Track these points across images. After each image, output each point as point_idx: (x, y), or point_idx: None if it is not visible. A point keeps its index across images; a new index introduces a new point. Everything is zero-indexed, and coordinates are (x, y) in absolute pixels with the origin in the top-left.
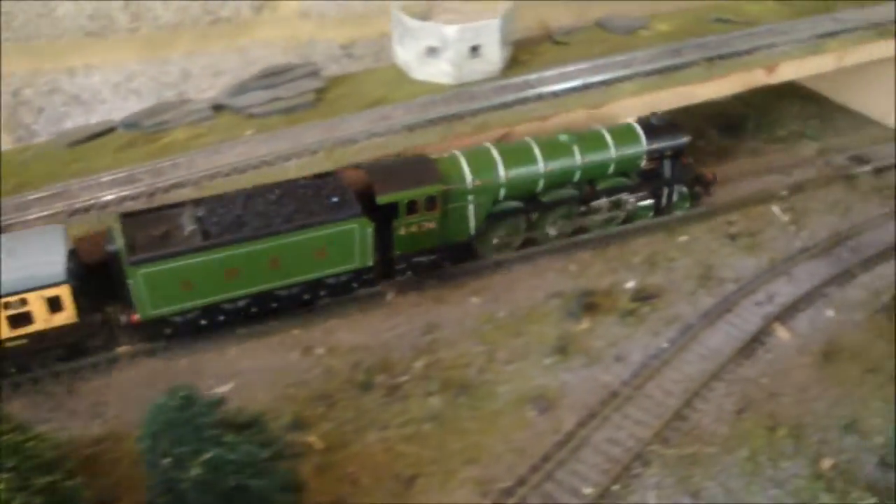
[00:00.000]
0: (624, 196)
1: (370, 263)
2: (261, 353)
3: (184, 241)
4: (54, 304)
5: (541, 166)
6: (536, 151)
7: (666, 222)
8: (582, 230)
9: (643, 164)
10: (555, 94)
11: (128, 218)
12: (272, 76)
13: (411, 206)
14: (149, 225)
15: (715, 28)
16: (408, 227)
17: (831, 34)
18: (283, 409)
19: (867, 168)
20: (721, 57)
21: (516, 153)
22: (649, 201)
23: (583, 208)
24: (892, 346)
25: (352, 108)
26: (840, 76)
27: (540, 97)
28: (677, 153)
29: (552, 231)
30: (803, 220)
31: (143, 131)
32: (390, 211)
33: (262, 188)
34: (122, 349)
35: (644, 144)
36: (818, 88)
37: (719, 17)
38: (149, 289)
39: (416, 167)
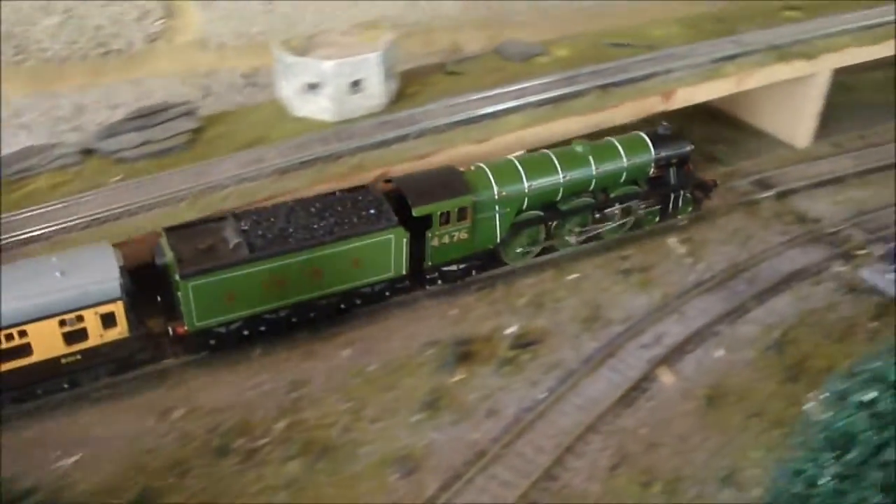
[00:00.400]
0: (634, 203)
1: (404, 272)
2: (115, 418)
3: (231, 254)
4: (108, 320)
5: (560, 176)
6: (556, 162)
7: (556, 259)
8: (597, 237)
9: (651, 171)
10: (439, 129)
11: (172, 232)
12: (144, 117)
13: (444, 217)
14: (195, 238)
15: (613, 53)
16: (440, 238)
17: (731, 57)
18: (131, 481)
19: (770, 193)
20: (616, 84)
21: (537, 164)
22: (656, 207)
23: (597, 215)
24: (778, 385)
25: (226, 150)
26: (750, 97)
27: (423, 133)
28: (682, 161)
29: (570, 238)
30: (700, 252)
31: (5, 178)
32: (424, 222)
33: (303, 201)
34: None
35: (652, 153)
36: (731, 110)
37: (618, 41)
38: (197, 301)
39: (447, 179)
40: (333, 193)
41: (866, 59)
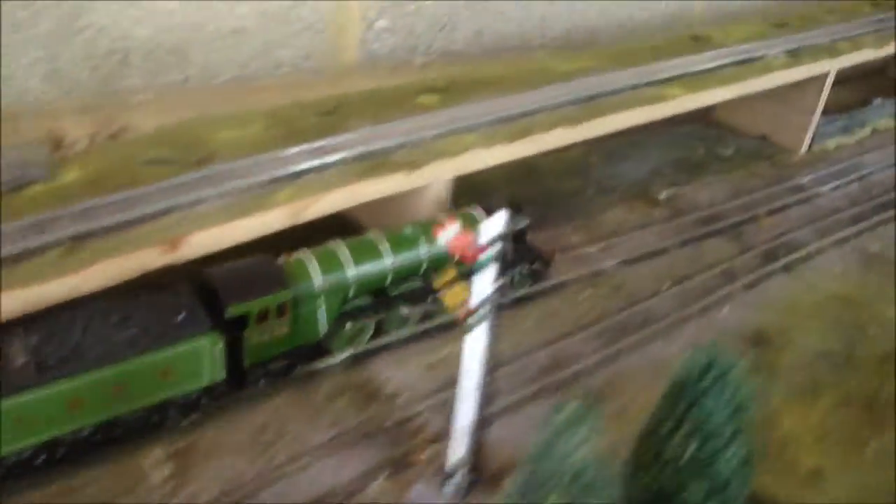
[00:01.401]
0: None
1: (221, 378)
2: None
3: (17, 375)
4: None
5: (388, 261)
6: (382, 247)
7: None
8: (433, 315)
9: None
10: None
11: None
12: None
13: (262, 315)
14: None
15: (145, 174)
16: (259, 336)
17: (296, 176)
18: None
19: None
20: (96, 234)
21: (363, 250)
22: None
23: (431, 298)
24: None
25: None
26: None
27: None
28: (518, 236)
29: (402, 322)
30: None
31: None
32: (240, 321)
33: (103, 306)
34: None
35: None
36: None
37: (157, 157)
38: None
39: (263, 271)
40: (138, 295)
41: (493, 163)
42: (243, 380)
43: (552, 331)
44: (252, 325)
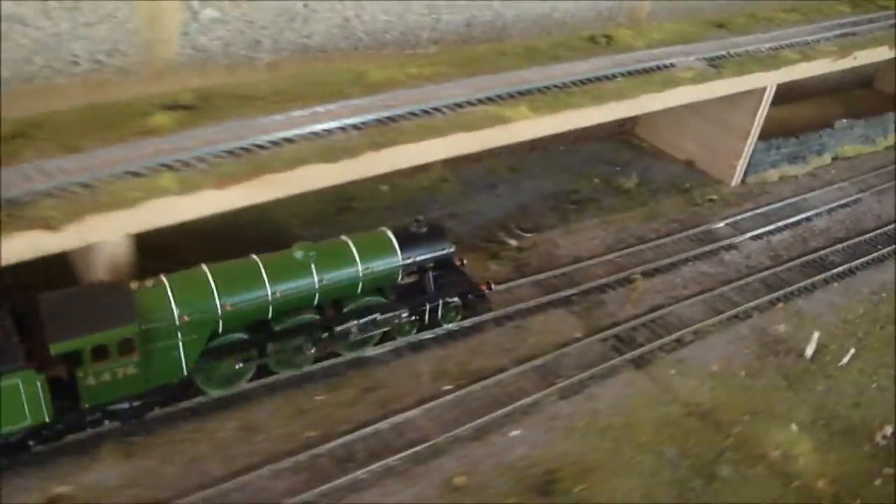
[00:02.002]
0: (378, 317)
1: (46, 419)
2: None
3: None
4: None
5: (268, 291)
6: (263, 272)
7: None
8: (333, 354)
9: (400, 278)
10: None
11: None
12: None
13: (99, 353)
14: None
15: None
16: (98, 376)
17: None
18: None
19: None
20: None
21: (237, 276)
22: (410, 318)
23: (325, 335)
24: None
25: None
26: None
27: None
28: (442, 264)
29: (295, 358)
30: None
31: None
32: (70, 358)
33: None
34: None
35: (399, 258)
36: None
37: None
38: None
39: (105, 301)
40: None
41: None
42: (81, 421)
43: None
44: (87, 363)
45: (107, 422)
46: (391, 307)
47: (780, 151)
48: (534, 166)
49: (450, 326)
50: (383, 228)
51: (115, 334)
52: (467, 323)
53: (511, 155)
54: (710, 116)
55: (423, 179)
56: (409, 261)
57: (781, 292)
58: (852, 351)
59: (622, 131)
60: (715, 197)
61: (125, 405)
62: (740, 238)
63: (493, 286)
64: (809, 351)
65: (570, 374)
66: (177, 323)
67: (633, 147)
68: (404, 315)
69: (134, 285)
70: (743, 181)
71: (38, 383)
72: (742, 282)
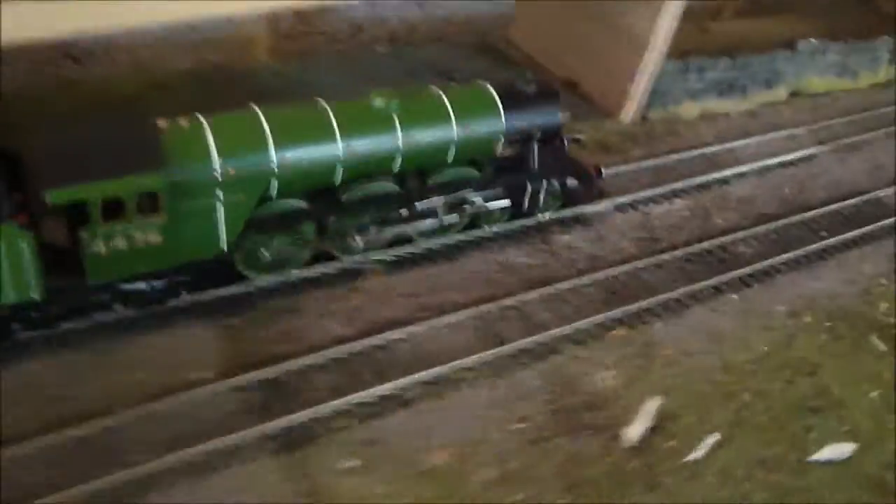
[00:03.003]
0: (469, 195)
1: (35, 296)
2: None
3: None
4: None
5: (340, 146)
6: (333, 121)
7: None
8: (404, 241)
9: (500, 149)
10: None
11: None
12: None
13: (112, 208)
14: None
15: None
16: (109, 242)
17: None
18: None
19: None
20: None
21: (301, 122)
22: (503, 203)
23: (404, 211)
24: None
25: None
26: None
27: None
28: (550, 136)
29: (359, 242)
30: None
31: None
32: (73, 213)
33: None
34: None
35: (503, 120)
36: None
37: None
38: None
39: (124, 140)
40: None
41: None
42: (83, 302)
43: None
44: (95, 221)
45: (117, 306)
46: (487, 184)
47: (705, 77)
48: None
49: (547, 215)
50: (483, 83)
51: (135, 184)
52: (567, 212)
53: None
54: (603, 17)
55: None
56: (513, 126)
57: (620, 310)
58: (717, 436)
59: (488, 33)
60: (582, 136)
61: (143, 285)
62: (602, 207)
63: (603, 170)
64: (636, 431)
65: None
66: (218, 177)
67: (499, 56)
68: (498, 194)
69: (163, 123)
70: (644, 117)
71: (25, 244)
72: (568, 284)
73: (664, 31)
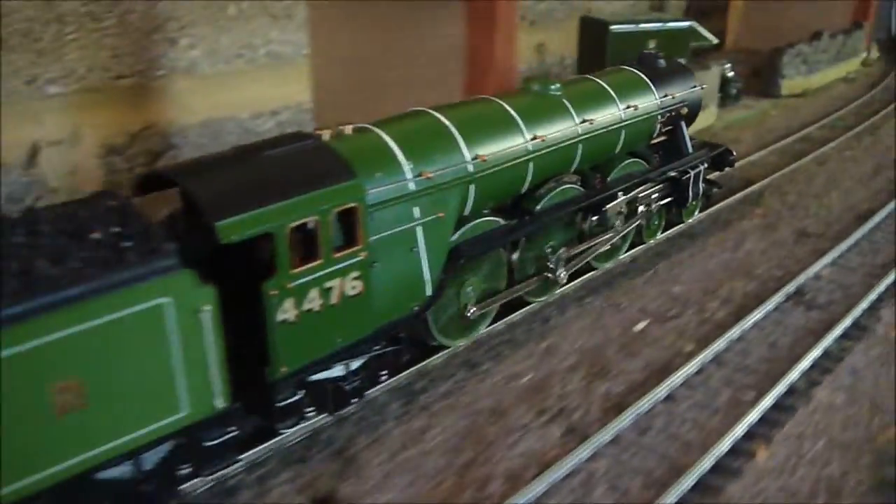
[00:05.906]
0: (643, 192)
1: (220, 406)
2: None
3: None
4: None
5: (526, 136)
6: (509, 110)
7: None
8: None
9: (657, 131)
10: None
11: None
12: None
13: (304, 243)
14: None
15: None
16: (301, 300)
17: None
18: None
19: None
20: None
21: (477, 115)
22: (666, 200)
23: (594, 218)
24: None
25: None
26: None
27: None
28: (691, 113)
29: (560, 273)
30: None
31: None
32: (251, 262)
33: None
34: None
35: (656, 96)
36: None
37: None
38: None
39: (296, 157)
40: (57, 207)
41: None
42: (272, 412)
43: None
44: (283, 267)
45: (300, 419)
46: (656, 176)
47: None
48: None
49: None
50: (618, 66)
51: (328, 200)
52: None
53: None
54: None
55: None
56: (667, 98)
57: None
58: None
59: None
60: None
61: (339, 370)
62: None
63: (734, 153)
64: None
65: None
66: (413, 185)
67: None
68: (665, 191)
69: (325, 134)
70: None
71: (208, 308)
72: None
73: None
